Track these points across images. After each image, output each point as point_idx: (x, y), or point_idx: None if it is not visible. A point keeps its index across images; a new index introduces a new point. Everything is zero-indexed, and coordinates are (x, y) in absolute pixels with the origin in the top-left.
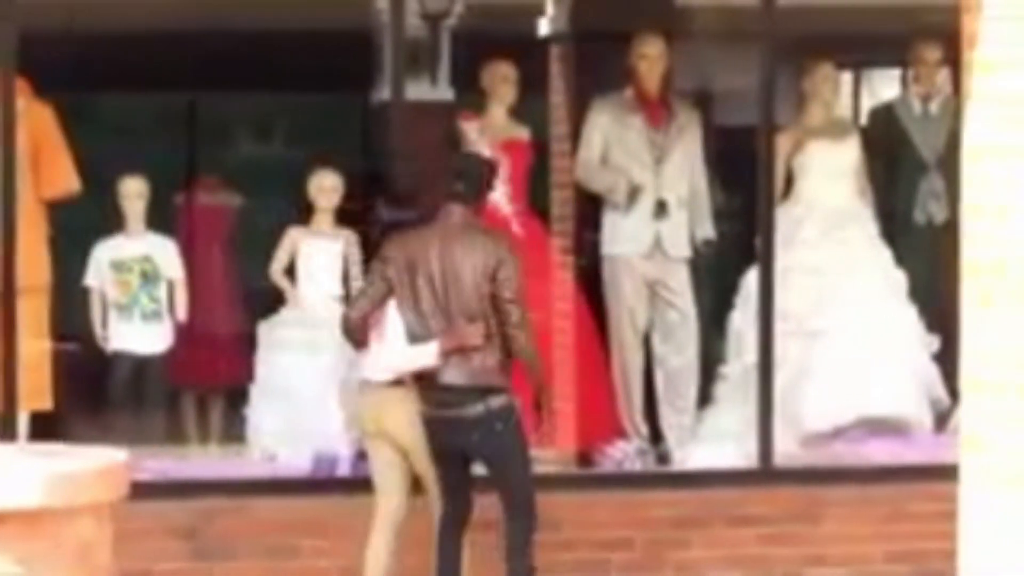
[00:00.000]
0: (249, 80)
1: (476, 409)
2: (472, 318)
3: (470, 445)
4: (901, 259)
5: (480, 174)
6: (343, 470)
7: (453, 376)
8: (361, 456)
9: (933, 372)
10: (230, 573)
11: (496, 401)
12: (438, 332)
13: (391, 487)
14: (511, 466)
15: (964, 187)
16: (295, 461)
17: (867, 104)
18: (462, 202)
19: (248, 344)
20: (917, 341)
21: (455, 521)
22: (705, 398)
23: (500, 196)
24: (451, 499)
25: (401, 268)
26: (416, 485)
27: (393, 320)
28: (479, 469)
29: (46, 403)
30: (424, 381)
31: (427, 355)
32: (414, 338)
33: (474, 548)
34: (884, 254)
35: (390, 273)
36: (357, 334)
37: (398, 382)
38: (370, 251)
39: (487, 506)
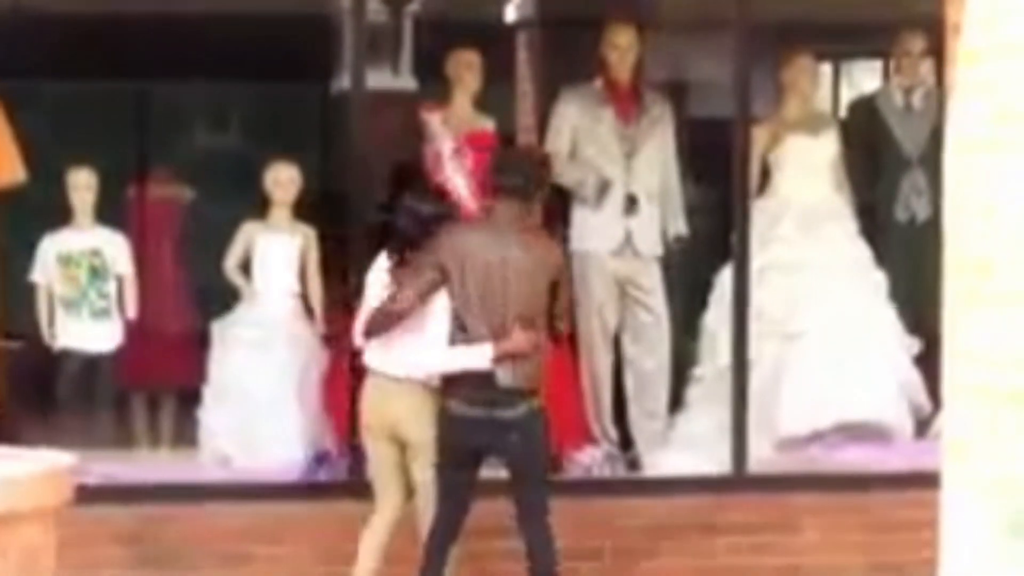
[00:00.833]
0: (203, 68)
1: (520, 410)
2: (530, 322)
3: (505, 446)
4: (882, 258)
5: (536, 167)
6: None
7: (504, 377)
8: (319, 459)
9: (914, 376)
10: None
11: (536, 403)
12: (489, 334)
13: (394, 486)
14: (538, 468)
15: (948, 183)
16: (249, 465)
17: (847, 96)
18: (518, 198)
19: (201, 343)
20: (898, 343)
21: (449, 528)
22: (677, 402)
23: (463, 189)
24: (452, 504)
25: (456, 265)
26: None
27: (439, 316)
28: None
29: None
30: (465, 380)
31: (479, 357)
32: (463, 338)
33: (472, 557)
34: (864, 252)
35: (449, 265)
36: (391, 326)
37: (423, 381)
38: (360, 246)
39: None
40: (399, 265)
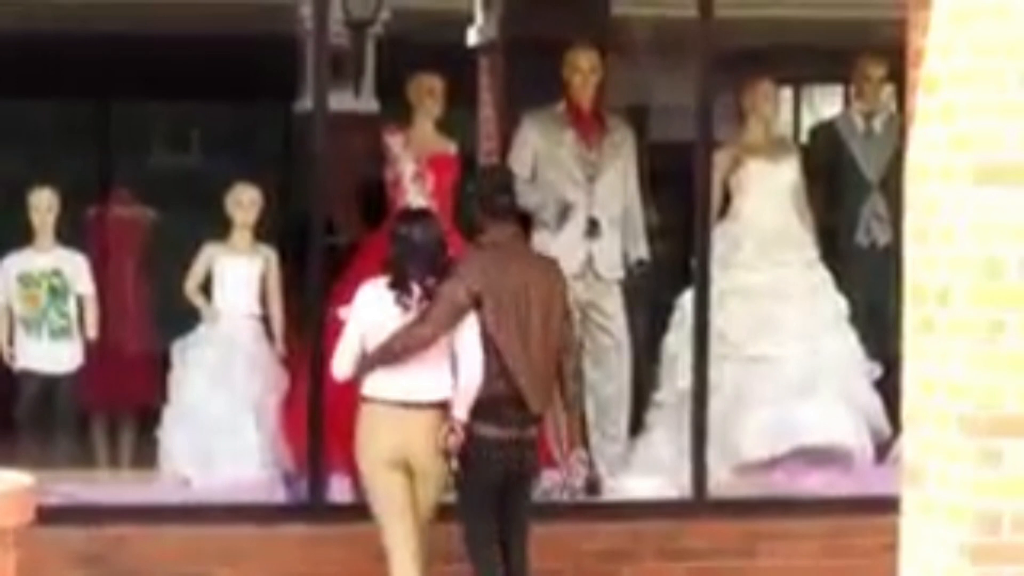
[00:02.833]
0: (166, 88)
1: (535, 431)
2: (559, 349)
3: (524, 464)
4: (842, 282)
5: (513, 187)
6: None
7: (535, 404)
8: (288, 480)
9: (874, 400)
10: None
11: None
12: (527, 363)
13: (410, 513)
14: (532, 486)
15: (907, 209)
16: (208, 486)
17: (808, 121)
18: (512, 218)
19: (161, 364)
20: (857, 368)
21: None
22: (637, 425)
23: None
24: (489, 536)
25: (488, 291)
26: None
27: (471, 342)
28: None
29: None
30: (499, 404)
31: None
32: (498, 364)
33: None
34: (824, 277)
35: (481, 292)
36: (412, 354)
37: (435, 405)
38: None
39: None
40: (404, 293)
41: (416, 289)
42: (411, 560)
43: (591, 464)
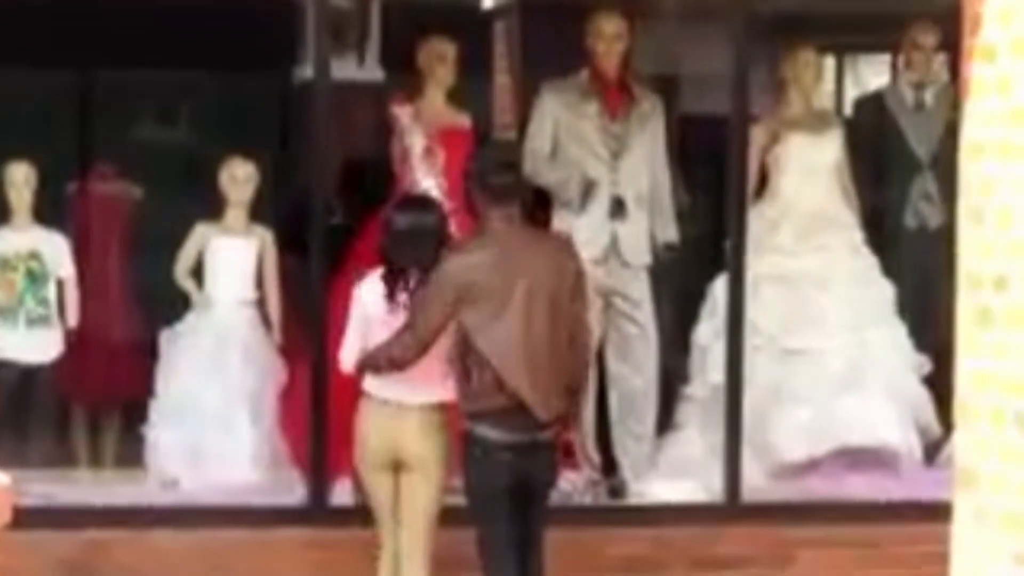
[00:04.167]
0: (154, 55)
1: (552, 432)
2: (567, 335)
3: (545, 467)
4: (889, 269)
5: (519, 162)
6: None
7: (543, 414)
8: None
9: (923, 397)
10: None
11: (558, 428)
12: (527, 368)
13: (389, 512)
14: (549, 492)
15: (962, 189)
16: (198, 487)
17: (852, 93)
18: (515, 200)
19: (148, 354)
20: (905, 362)
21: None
22: (666, 423)
23: (435, 190)
24: (512, 556)
25: (473, 295)
26: None
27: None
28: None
29: None
30: (501, 413)
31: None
32: (475, 361)
33: None
34: (869, 263)
35: (464, 297)
36: (395, 371)
37: (431, 406)
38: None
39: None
40: (392, 290)
41: (403, 287)
42: (388, 556)
43: (606, 466)
